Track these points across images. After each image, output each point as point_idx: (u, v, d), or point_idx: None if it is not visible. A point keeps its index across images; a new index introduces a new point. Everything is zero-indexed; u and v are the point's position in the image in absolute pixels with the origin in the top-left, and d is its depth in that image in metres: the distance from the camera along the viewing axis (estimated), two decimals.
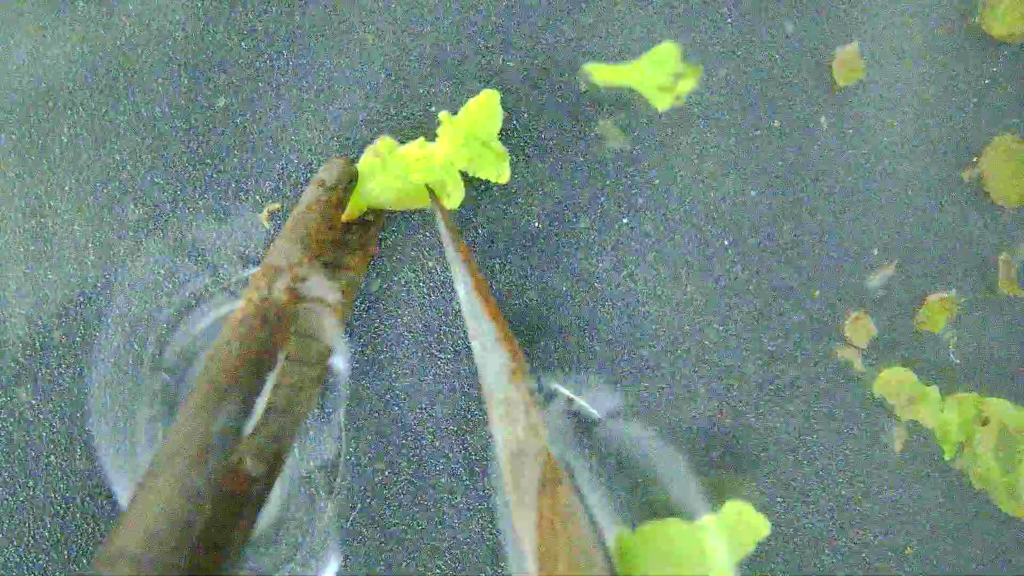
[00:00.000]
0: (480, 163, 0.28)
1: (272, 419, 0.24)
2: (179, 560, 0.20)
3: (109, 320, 0.30)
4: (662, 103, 0.30)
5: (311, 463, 0.29)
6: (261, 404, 0.24)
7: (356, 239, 0.29)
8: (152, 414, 0.29)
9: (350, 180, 0.27)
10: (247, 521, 0.22)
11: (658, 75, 0.29)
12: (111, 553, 0.20)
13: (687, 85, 0.30)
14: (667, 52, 0.30)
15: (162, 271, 0.30)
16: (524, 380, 0.25)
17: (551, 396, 0.29)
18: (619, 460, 0.29)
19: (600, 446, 0.29)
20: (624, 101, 0.30)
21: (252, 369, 0.24)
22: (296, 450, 0.29)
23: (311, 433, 0.30)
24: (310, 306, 0.26)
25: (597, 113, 0.30)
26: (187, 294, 0.30)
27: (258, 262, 0.30)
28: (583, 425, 0.29)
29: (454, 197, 0.28)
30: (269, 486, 0.24)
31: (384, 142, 0.29)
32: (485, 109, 0.28)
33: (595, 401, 0.29)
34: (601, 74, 0.29)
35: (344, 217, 0.28)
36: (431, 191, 0.28)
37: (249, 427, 0.23)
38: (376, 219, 0.30)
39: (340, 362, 0.30)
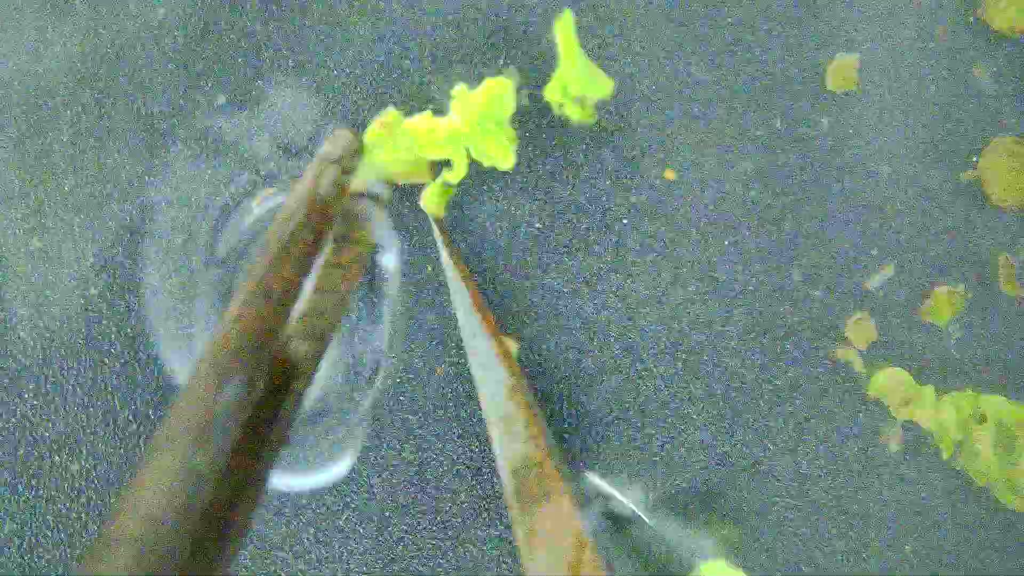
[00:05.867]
0: (488, 145, 0.28)
1: (317, 298, 0.24)
2: (182, 542, 0.18)
3: (114, 323, 0.30)
4: (549, 95, 0.29)
5: (355, 355, 0.29)
6: (308, 287, 0.23)
7: (358, 218, 0.29)
8: (207, 307, 0.30)
9: (355, 151, 0.27)
10: (275, 444, 0.21)
11: (576, 82, 0.28)
12: (110, 535, 0.18)
13: (571, 112, 0.29)
14: (600, 84, 0.29)
15: (159, 271, 0.30)
16: (523, 395, 0.25)
17: (589, 497, 0.29)
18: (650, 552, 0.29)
19: (636, 542, 0.29)
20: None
21: (297, 269, 0.23)
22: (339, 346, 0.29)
23: (357, 331, 0.30)
24: (357, 199, 0.25)
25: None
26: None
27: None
28: (619, 522, 0.29)
29: (457, 172, 0.28)
30: (315, 366, 0.23)
31: (390, 114, 0.29)
32: (501, 91, 0.28)
33: (632, 497, 0.29)
34: (564, 29, 0.28)
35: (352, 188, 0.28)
36: (438, 225, 0.28)
37: (295, 313, 0.22)
38: (361, 237, 0.29)
39: (388, 259, 0.30)
